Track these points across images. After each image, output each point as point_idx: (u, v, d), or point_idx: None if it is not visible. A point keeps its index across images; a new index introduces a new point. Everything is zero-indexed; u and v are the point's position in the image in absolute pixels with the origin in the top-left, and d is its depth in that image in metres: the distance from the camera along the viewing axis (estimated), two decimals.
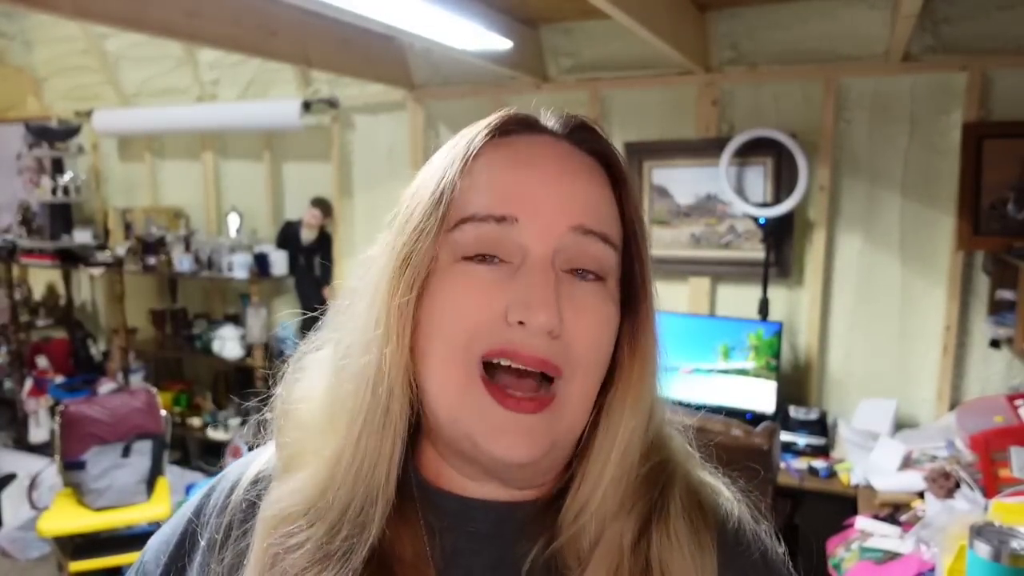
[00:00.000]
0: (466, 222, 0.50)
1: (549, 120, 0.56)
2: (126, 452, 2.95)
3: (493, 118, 0.55)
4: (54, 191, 4.11)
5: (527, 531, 0.53)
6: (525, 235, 0.50)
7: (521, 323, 0.48)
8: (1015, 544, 0.88)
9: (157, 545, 0.62)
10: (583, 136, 0.55)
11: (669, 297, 3.07)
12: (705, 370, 2.78)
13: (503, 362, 0.49)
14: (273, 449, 0.59)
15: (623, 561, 0.50)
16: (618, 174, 0.55)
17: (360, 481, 0.51)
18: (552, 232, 0.50)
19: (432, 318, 0.50)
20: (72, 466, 2.90)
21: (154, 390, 3.22)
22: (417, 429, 0.55)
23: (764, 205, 2.79)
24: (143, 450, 2.98)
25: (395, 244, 0.53)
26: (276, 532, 0.52)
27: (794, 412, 2.73)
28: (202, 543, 0.58)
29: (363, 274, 0.55)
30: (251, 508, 0.56)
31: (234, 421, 3.86)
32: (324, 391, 0.55)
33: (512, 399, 0.49)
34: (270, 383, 0.61)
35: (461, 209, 0.51)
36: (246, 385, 3.92)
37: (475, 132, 0.54)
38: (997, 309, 2.50)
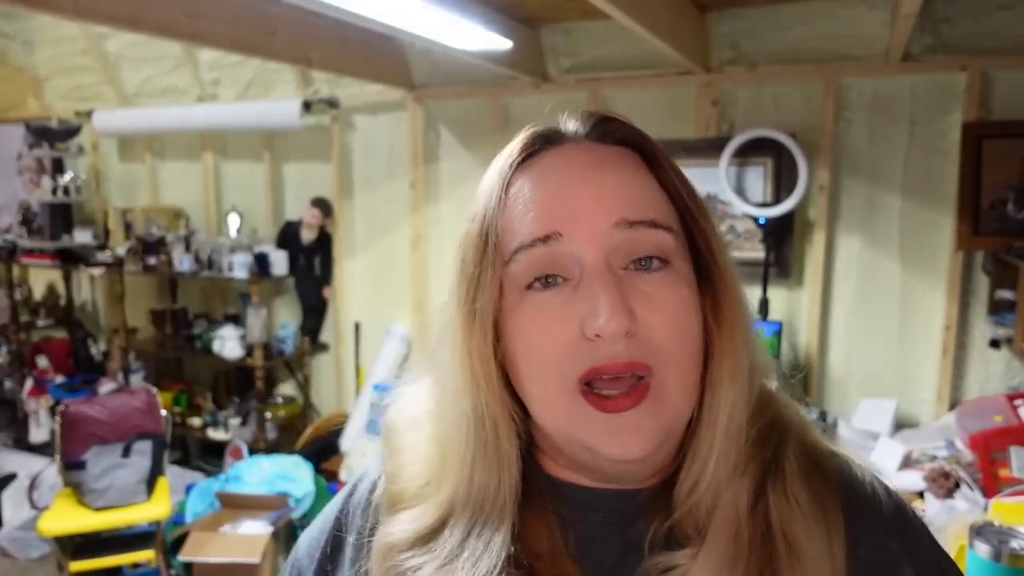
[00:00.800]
0: (518, 252, 0.51)
1: (569, 124, 0.56)
2: (126, 452, 2.95)
3: (517, 142, 0.55)
4: (54, 191, 4.11)
5: (647, 512, 0.54)
6: (573, 246, 0.50)
7: (599, 336, 0.49)
8: (1015, 544, 0.88)
9: (308, 543, 0.64)
10: (606, 129, 0.55)
11: None
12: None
13: (596, 384, 0.50)
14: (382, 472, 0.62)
15: (741, 527, 0.51)
16: (652, 155, 0.55)
17: (482, 507, 0.53)
18: (597, 235, 0.50)
19: (518, 354, 0.52)
20: (72, 466, 2.90)
21: (154, 390, 3.22)
22: (531, 442, 0.56)
23: (764, 205, 2.79)
24: (143, 450, 2.98)
25: (460, 293, 0.54)
26: (392, 558, 0.54)
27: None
28: (350, 540, 0.60)
29: (442, 318, 0.57)
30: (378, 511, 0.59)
31: (234, 421, 3.86)
32: (429, 435, 0.57)
33: (609, 401, 0.50)
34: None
35: (509, 241, 0.52)
36: (246, 385, 3.92)
37: (503, 163, 0.55)
38: (997, 309, 2.50)
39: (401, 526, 0.55)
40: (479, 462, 0.53)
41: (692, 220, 0.54)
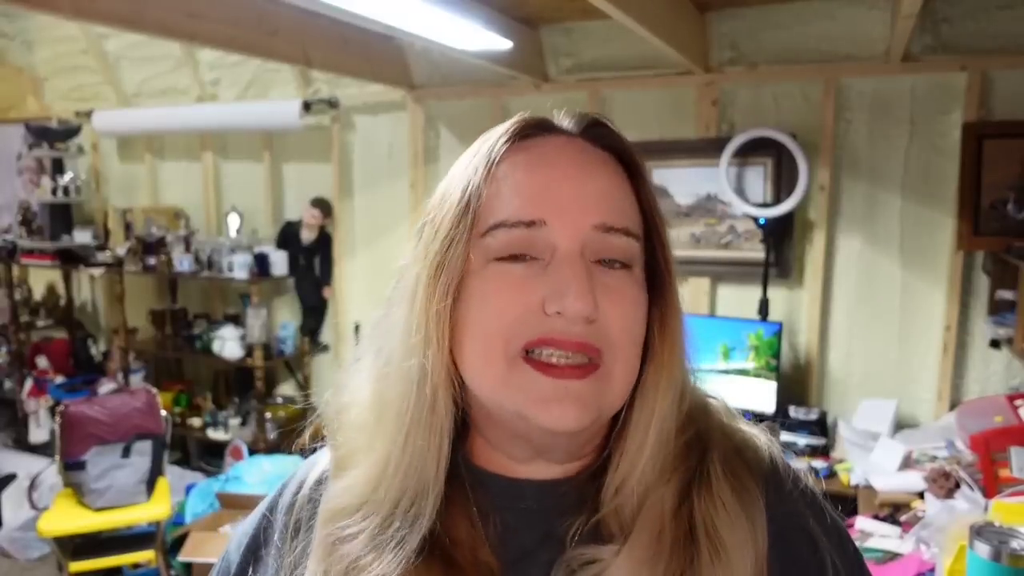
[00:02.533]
0: (497, 228, 0.53)
1: (563, 120, 0.58)
2: (126, 452, 2.95)
3: (511, 124, 0.57)
4: (54, 191, 4.11)
5: (571, 505, 0.55)
6: (553, 235, 0.52)
7: (559, 313, 0.50)
8: (1015, 544, 0.88)
9: (239, 538, 0.68)
10: (597, 132, 0.57)
11: None
12: (705, 370, 2.78)
13: (544, 352, 0.51)
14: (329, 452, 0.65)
15: (665, 528, 0.53)
16: (633, 167, 0.57)
17: (410, 476, 0.54)
18: (577, 231, 0.53)
19: (470, 318, 0.53)
20: (72, 466, 2.90)
21: (154, 390, 3.22)
22: (464, 423, 0.58)
23: (764, 205, 2.79)
24: (143, 450, 2.98)
25: (427, 253, 0.55)
26: (332, 524, 0.56)
27: (794, 412, 2.72)
28: (275, 536, 0.63)
29: (397, 284, 0.58)
30: (316, 505, 0.61)
31: (234, 421, 3.86)
32: (370, 396, 0.59)
33: (557, 368, 0.51)
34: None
35: (490, 215, 0.53)
36: (246, 385, 3.92)
37: (495, 138, 0.56)
38: (997, 309, 2.50)
39: (340, 487, 0.58)
40: (416, 421, 0.54)
41: (656, 233, 0.57)
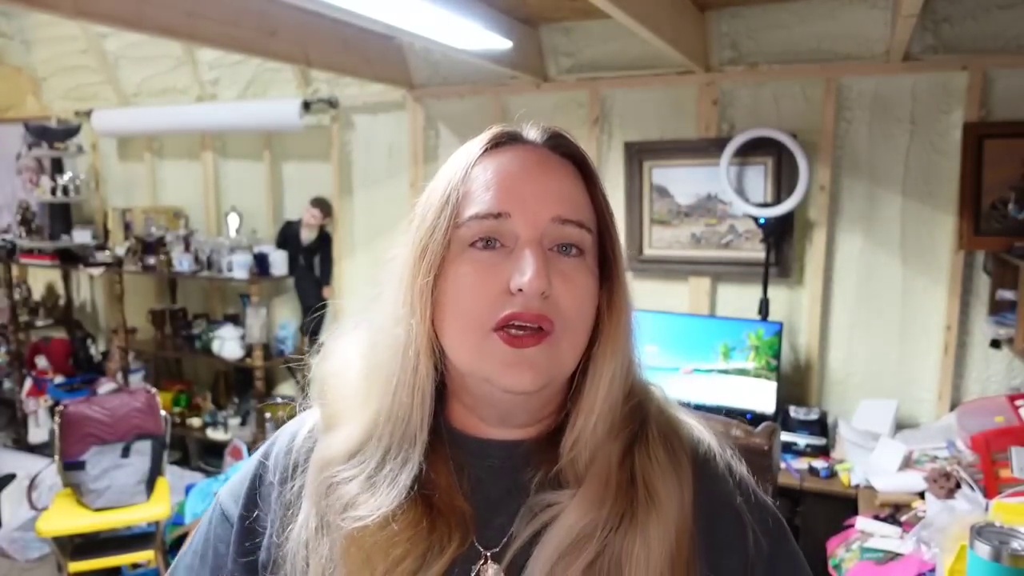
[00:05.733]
0: (471, 219, 0.63)
1: (531, 132, 0.69)
2: (126, 452, 2.95)
3: (486, 136, 0.68)
4: (54, 191, 4.11)
5: (532, 461, 0.66)
6: (517, 225, 0.62)
7: (520, 290, 0.60)
8: (1016, 544, 0.88)
9: (232, 488, 0.75)
10: (558, 142, 0.68)
11: (669, 297, 3.07)
12: (705, 370, 2.78)
13: (510, 327, 0.61)
14: (317, 411, 0.73)
15: (611, 476, 0.64)
16: (587, 171, 0.68)
17: (398, 427, 0.65)
18: (538, 222, 0.62)
19: (448, 295, 0.63)
20: (72, 466, 2.90)
21: (154, 390, 3.21)
22: (443, 391, 0.68)
23: (764, 205, 2.79)
24: (143, 450, 2.98)
25: (414, 239, 0.66)
26: (327, 470, 0.66)
27: (794, 412, 2.72)
28: (274, 479, 0.71)
29: (389, 267, 0.69)
30: (310, 451, 0.70)
31: (234, 421, 3.86)
32: (361, 361, 0.69)
33: (516, 338, 0.61)
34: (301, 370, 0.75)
35: (465, 208, 0.64)
36: (246, 385, 3.92)
37: (472, 147, 0.67)
38: (997, 309, 2.50)
39: (335, 439, 0.67)
40: (402, 381, 0.64)
41: (606, 228, 0.68)
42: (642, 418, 0.68)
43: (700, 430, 0.71)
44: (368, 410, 0.66)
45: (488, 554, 0.64)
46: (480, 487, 0.66)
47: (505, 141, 0.68)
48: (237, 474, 0.76)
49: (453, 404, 0.69)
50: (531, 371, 0.61)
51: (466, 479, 0.66)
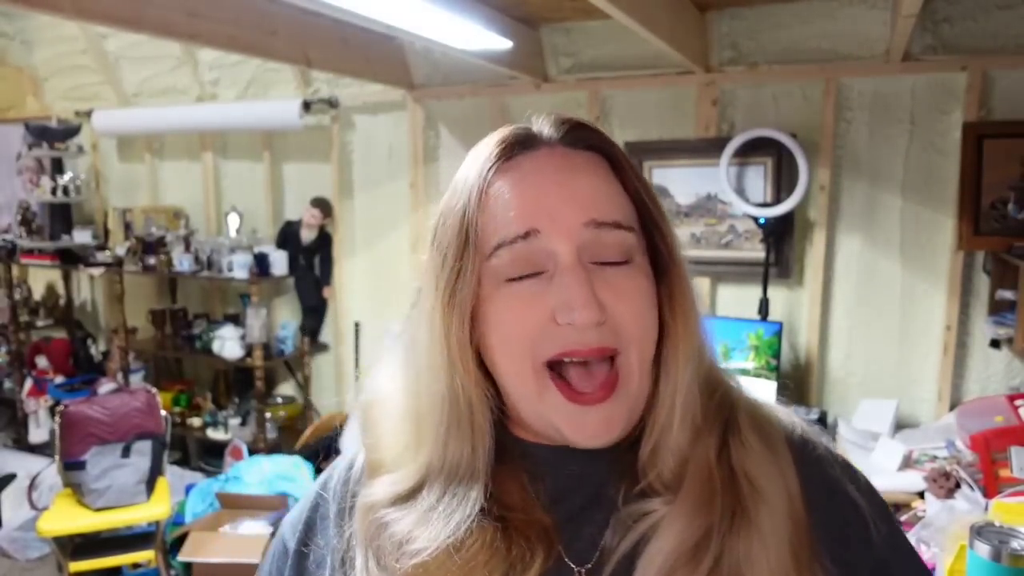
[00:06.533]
0: (499, 248, 0.56)
1: (544, 127, 0.61)
2: (126, 452, 2.95)
3: (493, 148, 0.59)
4: (54, 191, 4.11)
5: (615, 470, 0.59)
6: (549, 241, 0.56)
7: (570, 324, 0.54)
8: (1015, 544, 0.88)
9: (291, 521, 0.70)
10: (577, 135, 0.60)
11: None
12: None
13: (567, 365, 0.56)
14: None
15: (712, 473, 0.57)
16: (617, 161, 0.60)
17: (453, 473, 0.58)
18: (570, 232, 0.55)
19: (493, 338, 0.57)
20: (72, 466, 2.90)
21: (154, 390, 3.21)
22: (503, 411, 0.61)
23: (764, 205, 2.79)
24: (143, 450, 2.98)
25: (438, 283, 0.58)
26: (374, 512, 0.59)
27: (794, 412, 2.72)
28: (332, 511, 0.66)
29: (416, 305, 0.62)
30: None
31: (234, 421, 3.86)
32: (403, 408, 0.62)
33: (584, 395, 0.55)
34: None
35: (490, 237, 0.57)
36: (246, 385, 3.92)
37: (482, 166, 0.59)
38: (997, 309, 2.50)
39: (382, 487, 0.61)
40: (453, 434, 0.58)
41: (651, 220, 0.60)
42: (730, 407, 0.62)
43: (788, 413, 0.66)
44: (418, 461, 0.60)
45: (582, 570, 0.57)
46: (561, 497, 0.59)
47: (518, 149, 0.60)
48: (297, 505, 0.72)
49: (518, 421, 0.62)
50: (605, 427, 0.55)
51: (543, 490, 0.59)
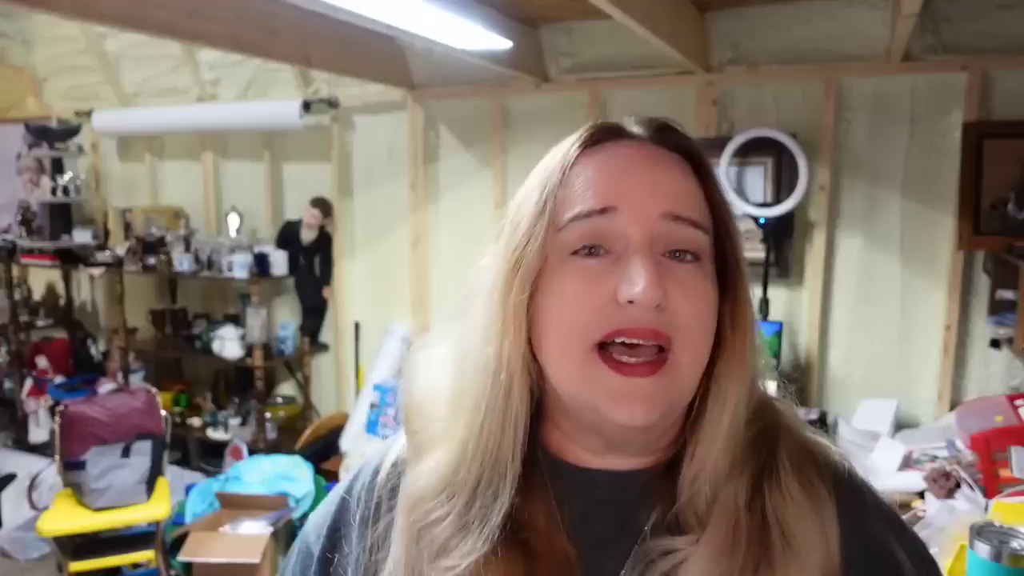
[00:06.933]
0: (572, 221, 0.56)
1: (633, 125, 0.61)
2: (126, 452, 2.95)
3: (583, 131, 0.60)
4: (54, 191, 4.11)
5: (646, 496, 0.57)
6: (624, 222, 0.55)
7: (630, 302, 0.53)
8: (1015, 544, 0.88)
9: (316, 522, 0.69)
10: (665, 135, 0.60)
11: None
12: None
13: (618, 345, 0.54)
14: (404, 439, 0.66)
15: (740, 519, 0.54)
16: (701, 166, 0.60)
17: (488, 458, 0.57)
18: (647, 219, 0.55)
19: (549, 310, 0.56)
20: (72, 466, 2.90)
21: (154, 390, 3.21)
22: (539, 413, 0.60)
23: (764, 205, 2.79)
24: (143, 450, 2.98)
25: (507, 250, 0.58)
26: (417, 509, 0.58)
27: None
28: (356, 518, 0.65)
29: (477, 281, 0.61)
30: (394, 489, 0.63)
31: (234, 421, 3.86)
32: (449, 383, 0.62)
33: (627, 366, 0.53)
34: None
35: (565, 210, 0.56)
36: (246, 385, 3.92)
37: (569, 145, 0.59)
38: (997, 309, 2.50)
39: (423, 469, 0.60)
40: (492, 408, 0.57)
41: (724, 229, 0.60)
42: (770, 445, 0.58)
43: (839, 453, 0.61)
44: (456, 438, 0.59)
45: None
46: (586, 524, 0.58)
47: (605, 137, 0.60)
48: (320, 508, 0.71)
49: (550, 429, 0.61)
50: (645, 404, 0.53)
51: (568, 514, 0.58)
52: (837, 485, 0.58)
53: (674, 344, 0.54)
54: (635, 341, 0.53)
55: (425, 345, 0.67)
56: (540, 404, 0.60)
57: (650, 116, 0.62)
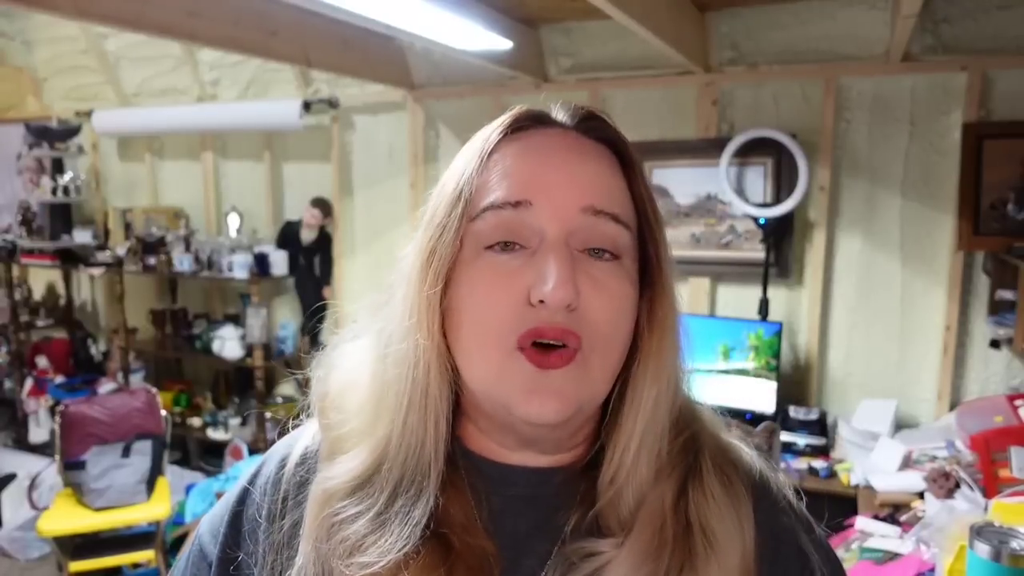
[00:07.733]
0: (486, 211, 0.54)
1: (559, 113, 0.59)
2: (126, 452, 2.95)
3: (506, 116, 0.58)
4: (54, 191, 4.11)
5: (564, 496, 0.57)
6: (540, 218, 0.53)
7: (542, 302, 0.51)
8: (1015, 544, 0.88)
9: (212, 523, 0.66)
10: (591, 125, 0.58)
11: None
12: (705, 370, 2.78)
13: (532, 342, 0.52)
14: (314, 429, 0.64)
15: (666, 521, 0.54)
16: (627, 159, 0.58)
17: (411, 456, 0.55)
18: (565, 213, 0.53)
19: (462, 305, 0.54)
20: (72, 466, 2.90)
21: (154, 390, 3.22)
22: (458, 406, 0.59)
23: (764, 205, 2.79)
24: (143, 450, 2.98)
25: (422, 240, 0.56)
26: (330, 506, 0.56)
27: (794, 412, 2.73)
28: (262, 513, 0.62)
29: (398, 269, 0.59)
30: (303, 483, 0.61)
31: (234, 421, 3.86)
32: (370, 378, 0.59)
33: (541, 355, 0.52)
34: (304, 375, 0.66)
35: (480, 200, 0.54)
36: (246, 385, 3.92)
37: (490, 131, 0.58)
38: (997, 309, 2.50)
39: (339, 469, 0.57)
40: (413, 403, 0.55)
41: (648, 226, 0.58)
42: (695, 450, 0.58)
43: (751, 454, 0.62)
44: (376, 435, 0.57)
45: None
46: (503, 520, 0.57)
47: (529, 124, 0.58)
48: (217, 505, 0.67)
49: (467, 425, 0.60)
50: (556, 399, 0.51)
51: (487, 510, 0.57)
52: (751, 484, 0.59)
53: (583, 344, 0.52)
54: (547, 342, 0.52)
55: (345, 337, 0.64)
56: (458, 398, 0.58)
57: (578, 104, 0.59)
